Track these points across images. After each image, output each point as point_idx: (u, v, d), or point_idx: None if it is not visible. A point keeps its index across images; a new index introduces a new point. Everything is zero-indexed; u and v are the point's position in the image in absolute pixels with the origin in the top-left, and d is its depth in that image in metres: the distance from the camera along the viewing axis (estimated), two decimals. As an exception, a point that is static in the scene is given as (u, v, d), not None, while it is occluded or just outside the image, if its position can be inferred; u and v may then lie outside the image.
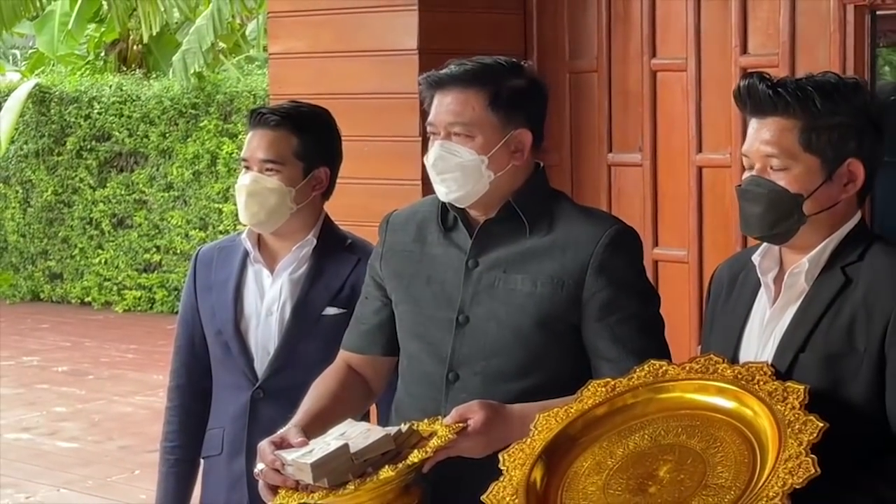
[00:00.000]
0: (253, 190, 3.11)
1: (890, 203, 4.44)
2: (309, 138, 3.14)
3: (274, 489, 2.46)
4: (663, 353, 2.59)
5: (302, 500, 2.40)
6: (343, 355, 2.88)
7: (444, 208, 2.75)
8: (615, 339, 2.61)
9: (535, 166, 2.75)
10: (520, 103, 2.68)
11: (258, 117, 3.15)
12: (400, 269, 2.79)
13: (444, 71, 2.69)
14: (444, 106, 2.67)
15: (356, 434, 2.45)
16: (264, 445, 2.52)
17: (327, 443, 2.44)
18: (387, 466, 2.39)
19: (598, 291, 2.62)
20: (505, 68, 2.70)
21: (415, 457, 2.40)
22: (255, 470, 2.51)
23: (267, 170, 3.12)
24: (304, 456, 2.41)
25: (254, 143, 3.14)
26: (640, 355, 2.50)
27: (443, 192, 2.68)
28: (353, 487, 2.37)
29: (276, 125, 3.12)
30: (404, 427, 2.49)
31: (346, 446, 2.39)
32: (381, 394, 2.93)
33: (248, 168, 3.15)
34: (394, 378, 2.86)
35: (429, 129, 2.72)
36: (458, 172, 2.65)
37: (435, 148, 2.68)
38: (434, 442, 2.43)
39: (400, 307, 2.79)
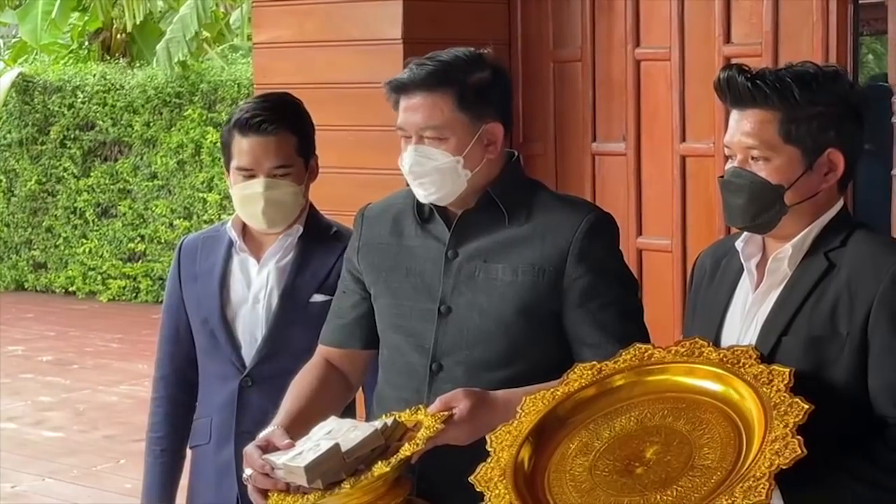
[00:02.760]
0: (270, 196, 3.07)
1: (871, 191, 4.47)
2: (302, 133, 3.13)
3: (264, 493, 2.46)
4: (644, 338, 2.60)
5: (295, 503, 2.40)
6: (321, 350, 2.88)
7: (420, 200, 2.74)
8: (596, 324, 2.63)
9: (508, 156, 2.75)
10: (487, 97, 2.67)
11: (255, 126, 3.07)
12: (378, 262, 2.79)
13: (406, 75, 2.66)
14: (411, 110, 2.65)
15: (343, 432, 2.45)
16: (251, 450, 2.52)
17: (316, 443, 2.43)
18: (380, 462, 2.40)
19: (579, 278, 2.63)
20: (466, 62, 2.67)
21: (406, 450, 2.41)
22: (244, 476, 2.51)
23: (278, 175, 3.08)
24: (294, 459, 2.41)
25: (256, 151, 3.07)
26: (622, 340, 2.52)
27: (422, 194, 2.68)
28: (348, 486, 2.37)
29: (275, 130, 3.07)
30: (389, 420, 2.50)
31: (337, 446, 2.39)
32: (367, 379, 2.94)
33: (251, 176, 3.09)
34: (377, 366, 2.86)
35: (399, 133, 2.70)
36: (436, 175, 2.65)
37: (409, 153, 2.66)
38: (423, 433, 2.44)
39: (379, 300, 2.79)
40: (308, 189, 3.18)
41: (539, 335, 2.66)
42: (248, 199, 3.10)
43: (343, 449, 2.39)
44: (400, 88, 2.67)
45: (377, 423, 2.48)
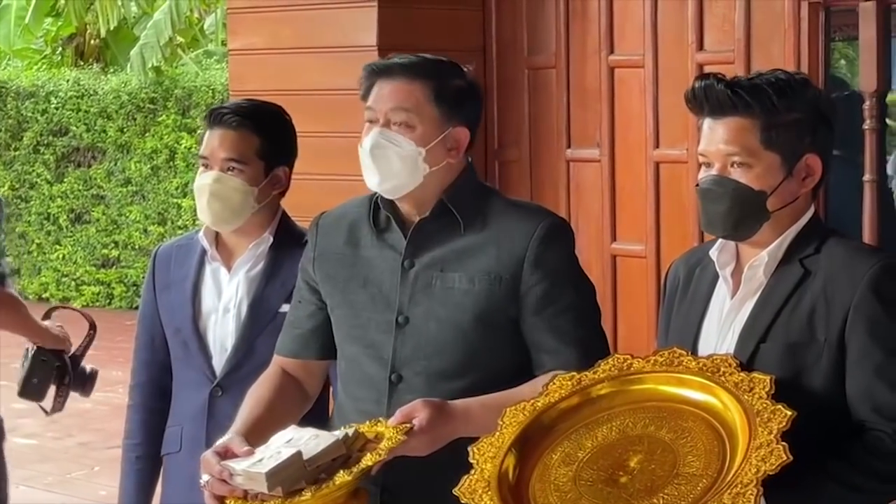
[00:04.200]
0: (216, 189, 3.10)
1: (842, 197, 4.50)
2: (270, 138, 3.15)
3: (221, 500, 2.46)
4: (600, 341, 2.65)
5: None
6: (277, 360, 2.87)
7: (376, 207, 2.73)
8: (553, 330, 2.64)
9: (465, 162, 2.74)
10: (461, 101, 2.69)
11: (219, 117, 3.13)
12: (334, 272, 2.77)
13: (390, 60, 2.71)
14: (387, 92, 2.66)
15: (304, 440, 2.46)
16: (209, 456, 2.52)
17: (277, 450, 2.44)
18: (341, 471, 2.41)
19: (535, 285, 2.64)
20: (449, 67, 2.72)
21: (368, 460, 2.42)
22: (201, 481, 2.51)
23: (229, 169, 3.11)
24: (255, 465, 2.42)
25: (214, 141, 3.12)
26: (579, 345, 2.56)
27: (374, 181, 2.66)
28: (309, 495, 2.38)
29: (237, 125, 3.11)
30: (350, 431, 2.50)
31: (298, 454, 2.40)
32: (334, 388, 2.95)
33: (207, 167, 3.13)
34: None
35: (367, 114, 2.70)
36: (395, 162, 2.64)
37: (373, 134, 2.66)
38: (385, 444, 2.45)
39: (336, 311, 2.77)
40: (269, 196, 3.17)
41: (497, 343, 2.66)
42: (198, 189, 3.14)
43: (305, 457, 2.40)
44: (380, 71, 2.69)
45: (338, 433, 2.49)
